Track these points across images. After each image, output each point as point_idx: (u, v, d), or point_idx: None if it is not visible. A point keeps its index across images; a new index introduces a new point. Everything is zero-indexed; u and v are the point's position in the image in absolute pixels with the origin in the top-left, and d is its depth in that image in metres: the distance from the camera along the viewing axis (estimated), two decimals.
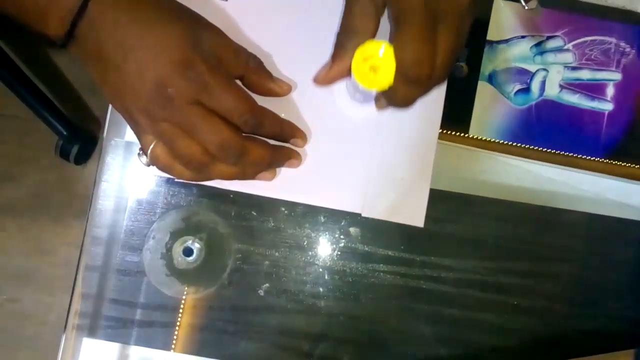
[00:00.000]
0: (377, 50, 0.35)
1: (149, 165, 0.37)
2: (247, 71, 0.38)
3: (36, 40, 1.21)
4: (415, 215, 0.42)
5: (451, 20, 0.33)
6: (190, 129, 0.34)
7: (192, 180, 0.39)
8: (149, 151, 0.36)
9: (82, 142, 1.11)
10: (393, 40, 0.34)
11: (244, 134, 0.36)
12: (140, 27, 0.33)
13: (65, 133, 1.09)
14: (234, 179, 0.38)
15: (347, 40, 0.37)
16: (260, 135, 0.38)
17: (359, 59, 0.36)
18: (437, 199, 0.43)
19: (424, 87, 0.35)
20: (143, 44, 0.33)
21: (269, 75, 0.40)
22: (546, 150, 0.44)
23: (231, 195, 0.43)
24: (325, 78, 0.39)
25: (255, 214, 0.43)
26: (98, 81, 0.36)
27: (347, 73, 0.38)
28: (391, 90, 0.35)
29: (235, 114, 0.35)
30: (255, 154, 0.37)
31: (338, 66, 0.38)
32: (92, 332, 0.42)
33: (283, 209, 0.43)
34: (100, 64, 0.34)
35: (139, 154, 0.38)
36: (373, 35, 0.37)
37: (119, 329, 0.42)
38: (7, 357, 1.13)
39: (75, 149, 1.10)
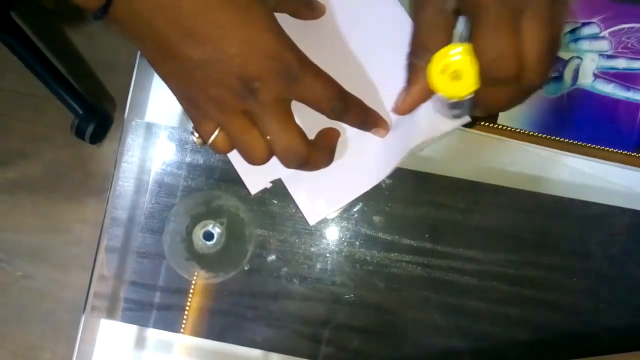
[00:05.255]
0: (452, 54, 0.32)
1: (201, 146, 0.36)
2: None
3: (53, 17, 1.20)
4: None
5: (537, 7, 0.30)
6: (263, 124, 0.33)
7: None
8: (210, 140, 0.35)
9: (98, 121, 1.11)
10: (472, 40, 0.31)
11: (311, 143, 0.35)
12: (214, 11, 0.30)
13: (80, 112, 1.08)
14: None
15: (418, 59, 0.34)
16: (345, 122, 0.37)
17: (435, 71, 0.32)
18: (463, 189, 0.42)
19: (514, 87, 0.32)
20: (222, 34, 0.31)
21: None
22: (577, 142, 0.43)
23: None
24: (404, 106, 0.37)
25: (275, 200, 0.42)
26: (154, 65, 0.34)
27: (427, 94, 0.35)
28: (478, 96, 0.33)
29: (324, 101, 0.34)
30: (315, 166, 0.36)
31: (415, 89, 0.35)
32: (110, 313, 0.42)
33: None
34: (160, 51, 0.32)
35: (192, 132, 0.36)
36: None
37: (137, 312, 0.42)
38: (22, 333, 1.14)
39: (90, 128, 1.09)
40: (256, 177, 0.41)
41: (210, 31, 0.31)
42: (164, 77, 0.34)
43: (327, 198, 0.41)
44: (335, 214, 0.42)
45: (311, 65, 0.34)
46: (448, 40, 0.33)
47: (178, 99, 0.35)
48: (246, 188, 0.41)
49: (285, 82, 0.32)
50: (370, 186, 0.41)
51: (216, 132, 0.34)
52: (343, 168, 0.40)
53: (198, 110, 0.34)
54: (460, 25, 0.35)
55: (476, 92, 0.33)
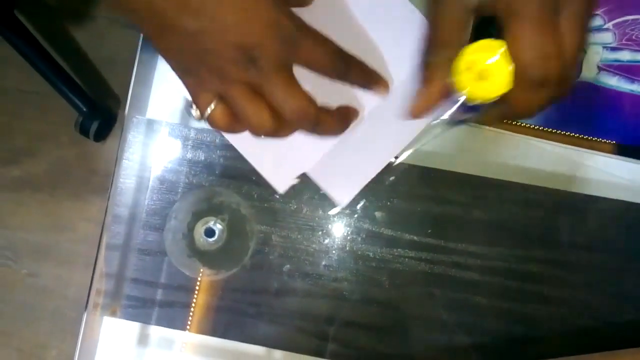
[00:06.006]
0: (484, 53, 0.30)
1: (199, 120, 0.36)
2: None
3: (56, 15, 1.20)
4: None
5: (575, 5, 0.29)
6: (269, 92, 0.33)
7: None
8: (207, 112, 0.34)
9: (102, 119, 1.11)
10: (506, 38, 0.30)
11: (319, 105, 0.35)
12: None
13: (84, 109, 1.09)
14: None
15: (436, 57, 0.33)
16: (347, 81, 0.36)
17: (461, 69, 0.31)
18: (466, 183, 0.42)
19: (552, 90, 0.31)
20: (218, 4, 0.30)
21: None
22: (581, 136, 0.42)
23: (253, 178, 0.42)
24: (422, 107, 0.35)
25: (277, 196, 0.42)
26: (151, 39, 0.33)
27: (445, 95, 0.34)
28: (511, 99, 0.31)
29: (325, 62, 0.34)
30: (327, 126, 0.35)
31: (433, 89, 0.34)
32: (112, 311, 0.42)
33: (306, 191, 0.42)
34: (156, 24, 0.32)
35: (189, 106, 0.36)
36: (464, 46, 0.33)
37: (140, 309, 0.42)
38: (28, 331, 1.15)
39: (94, 126, 1.10)
40: (281, 175, 0.41)
41: (206, 1, 0.30)
42: (162, 51, 0.34)
43: (353, 179, 0.41)
44: (337, 210, 0.42)
45: (309, 28, 0.33)
46: (467, 38, 0.32)
47: (176, 72, 0.35)
48: (248, 184, 0.41)
49: (285, 48, 0.32)
50: (388, 161, 0.42)
51: (214, 103, 0.34)
52: (360, 147, 0.41)
53: (197, 82, 0.34)
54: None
55: (506, 96, 0.31)
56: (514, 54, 0.30)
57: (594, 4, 0.30)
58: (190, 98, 0.35)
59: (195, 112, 0.35)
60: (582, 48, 0.30)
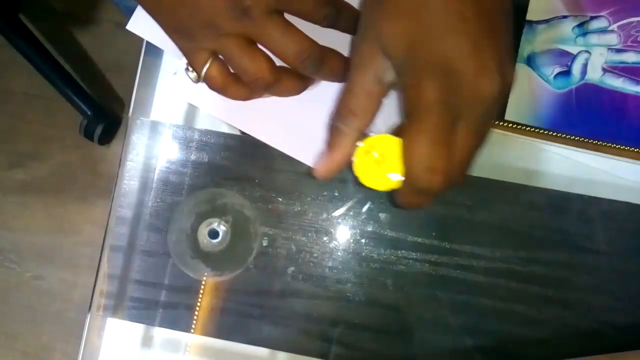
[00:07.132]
0: (383, 144, 0.31)
1: (197, 82, 0.36)
2: None
3: (61, 19, 1.21)
4: None
5: (474, 117, 0.29)
6: (268, 39, 0.32)
7: (243, 100, 0.37)
8: (203, 71, 0.34)
9: (106, 122, 1.12)
10: (403, 137, 0.30)
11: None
12: None
13: (89, 113, 1.09)
14: (291, 95, 0.36)
15: (343, 124, 0.33)
16: (339, 28, 0.35)
17: (361, 153, 0.32)
18: (471, 185, 0.42)
19: (434, 197, 0.31)
20: None
21: None
22: (585, 139, 0.42)
23: (256, 180, 0.42)
24: (326, 171, 0.35)
25: (280, 198, 0.42)
26: (142, 1, 0.33)
27: (348, 162, 0.34)
28: (397, 194, 0.32)
29: (315, 10, 0.33)
30: (333, 62, 0.34)
31: (337, 155, 0.34)
32: (116, 312, 0.42)
33: (309, 192, 0.42)
34: None
35: (186, 69, 0.36)
36: (373, 117, 0.33)
37: (143, 310, 0.42)
38: (34, 333, 1.15)
39: (99, 129, 1.10)
40: (310, 151, 0.40)
41: None
42: (152, 10, 0.34)
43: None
44: (342, 211, 0.42)
45: None
46: (377, 109, 0.32)
47: (167, 32, 0.34)
48: (251, 185, 0.41)
49: None
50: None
51: (209, 62, 0.34)
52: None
53: (191, 41, 0.34)
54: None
55: (393, 190, 0.32)
56: (405, 158, 0.30)
57: (493, 115, 0.31)
58: (185, 60, 0.35)
59: (192, 74, 0.35)
60: (472, 159, 0.31)
